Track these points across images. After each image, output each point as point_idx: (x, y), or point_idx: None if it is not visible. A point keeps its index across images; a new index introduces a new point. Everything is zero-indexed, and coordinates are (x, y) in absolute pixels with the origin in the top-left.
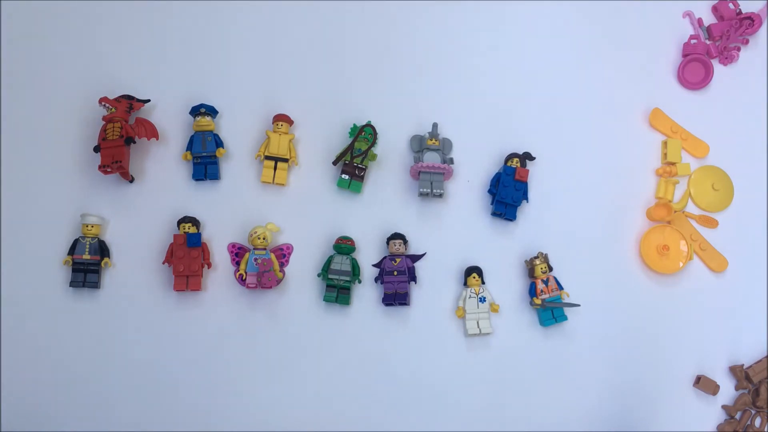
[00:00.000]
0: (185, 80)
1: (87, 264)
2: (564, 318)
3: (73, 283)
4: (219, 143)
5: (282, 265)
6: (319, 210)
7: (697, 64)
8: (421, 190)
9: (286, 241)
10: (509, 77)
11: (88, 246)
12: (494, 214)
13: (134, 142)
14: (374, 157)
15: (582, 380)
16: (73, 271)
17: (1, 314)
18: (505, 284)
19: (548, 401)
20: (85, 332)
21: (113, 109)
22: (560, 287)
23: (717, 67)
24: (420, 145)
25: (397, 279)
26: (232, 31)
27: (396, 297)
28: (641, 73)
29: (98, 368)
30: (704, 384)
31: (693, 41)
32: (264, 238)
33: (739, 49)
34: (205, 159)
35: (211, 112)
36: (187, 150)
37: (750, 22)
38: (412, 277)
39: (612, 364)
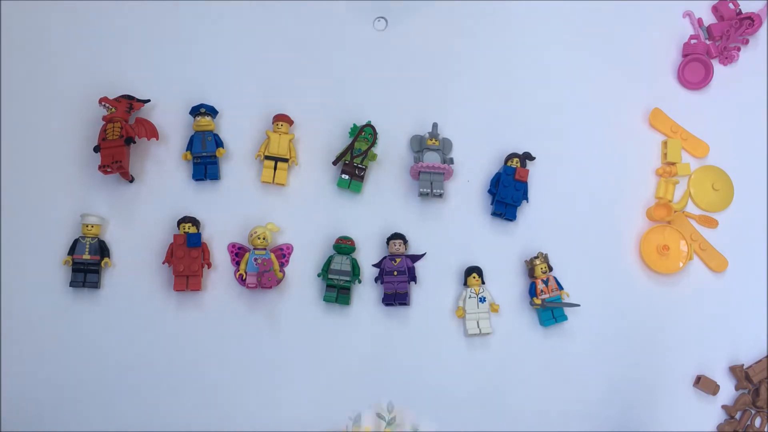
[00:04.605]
0: (185, 80)
1: (87, 264)
2: (564, 318)
3: (73, 283)
4: (219, 143)
5: (282, 265)
6: (319, 210)
7: (697, 64)
8: (421, 190)
9: (286, 241)
10: (509, 77)
11: (88, 246)
12: (494, 214)
13: (134, 142)
14: (374, 157)
15: (582, 380)
16: (73, 271)
17: (1, 314)
18: (505, 284)
19: (548, 401)
20: (85, 332)
21: (113, 109)
22: (560, 287)
23: (717, 67)
24: (420, 145)
25: (397, 279)
26: (232, 31)
27: (396, 297)
28: (641, 73)
29: (98, 368)
30: (704, 384)
31: (693, 41)
32: (264, 238)
33: (739, 49)
34: (205, 159)
35: (211, 112)
36: (187, 150)
37: (750, 22)
38: (412, 277)
39: (612, 364)
